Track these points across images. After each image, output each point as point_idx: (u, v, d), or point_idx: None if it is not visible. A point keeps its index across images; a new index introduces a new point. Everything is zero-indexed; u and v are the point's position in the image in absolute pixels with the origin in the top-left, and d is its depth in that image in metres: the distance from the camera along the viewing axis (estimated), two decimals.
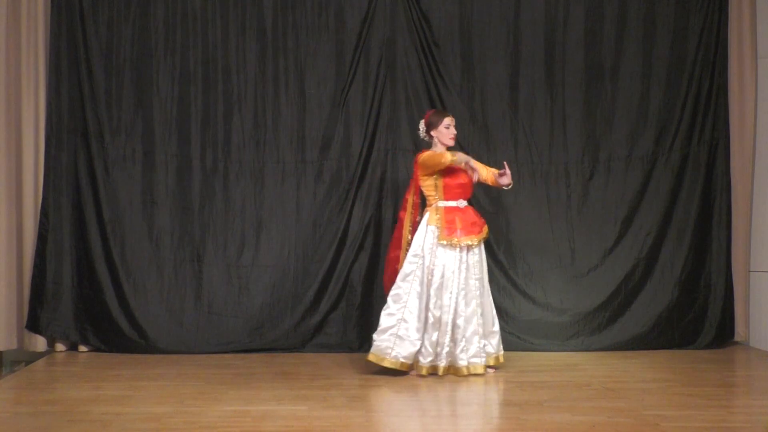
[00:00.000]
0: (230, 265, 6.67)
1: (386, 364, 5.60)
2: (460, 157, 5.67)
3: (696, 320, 6.78)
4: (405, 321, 5.61)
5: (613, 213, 6.82)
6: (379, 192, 6.76)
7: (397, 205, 6.75)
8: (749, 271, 6.89)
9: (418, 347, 5.60)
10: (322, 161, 6.75)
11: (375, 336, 5.68)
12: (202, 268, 6.65)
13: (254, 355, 6.44)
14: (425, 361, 5.62)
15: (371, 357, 5.65)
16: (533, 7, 6.82)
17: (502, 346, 5.89)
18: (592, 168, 6.85)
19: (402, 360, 5.60)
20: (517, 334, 6.63)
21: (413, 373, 5.64)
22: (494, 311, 5.86)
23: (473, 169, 5.72)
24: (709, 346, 6.73)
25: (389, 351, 5.59)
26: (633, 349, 6.63)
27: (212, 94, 6.71)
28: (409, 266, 5.68)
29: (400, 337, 5.60)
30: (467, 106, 6.73)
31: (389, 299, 5.69)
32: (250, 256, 6.69)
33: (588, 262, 6.78)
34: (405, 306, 5.63)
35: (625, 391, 5.24)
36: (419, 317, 5.61)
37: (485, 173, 5.80)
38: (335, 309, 6.68)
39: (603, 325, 6.71)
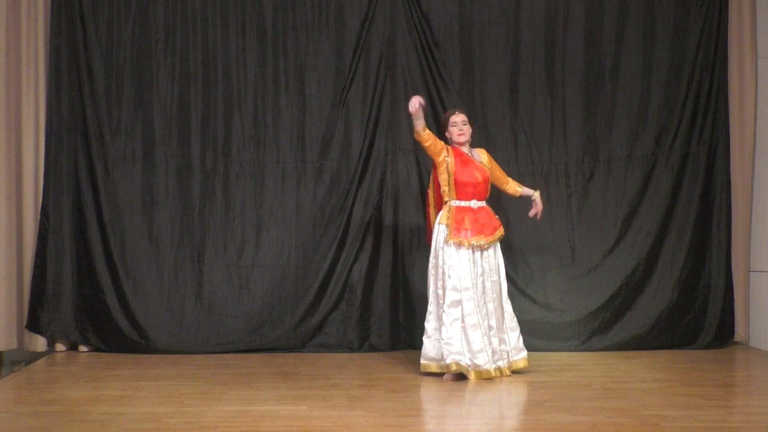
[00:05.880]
0: (230, 265, 6.67)
1: (433, 369, 5.59)
2: (416, 118, 5.51)
3: (696, 320, 6.78)
4: (441, 323, 5.54)
5: (613, 213, 6.82)
6: (379, 192, 6.75)
7: (397, 205, 6.77)
8: (749, 271, 6.89)
9: (443, 348, 5.54)
10: (322, 161, 6.75)
11: (424, 340, 5.66)
12: (202, 268, 6.65)
13: (254, 355, 6.44)
14: (456, 362, 5.51)
15: (421, 367, 5.63)
16: (533, 7, 6.82)
17: (524, 353, 5.76)
18: (592, 168, 6.85)
19: (447, 363, 5.49)
20: None
21: (447, 377, 5.52)
22: (513, 320, 5.76)
23: (535, 206, 5.88)
24: (709, 346, 6.72)
25: (432, 356, 5.59)
26: (633, 349, 6.63)
27: (212, 94, 6.71)
28: (429, 265, 5.68)
29: (437, 341, 5.56)
30: (467, 106, 6.72)
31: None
32: (251, 256, 6.69)
33: (588, 262, 6.78)
34: (434, 307, 5.61)
35: (625, 391, 5.24)
36: (438, 316, 5.58)
37: (517, 190, 5.93)
38: (335, 309, 6.68)
39: (603, 325, 6.71)
